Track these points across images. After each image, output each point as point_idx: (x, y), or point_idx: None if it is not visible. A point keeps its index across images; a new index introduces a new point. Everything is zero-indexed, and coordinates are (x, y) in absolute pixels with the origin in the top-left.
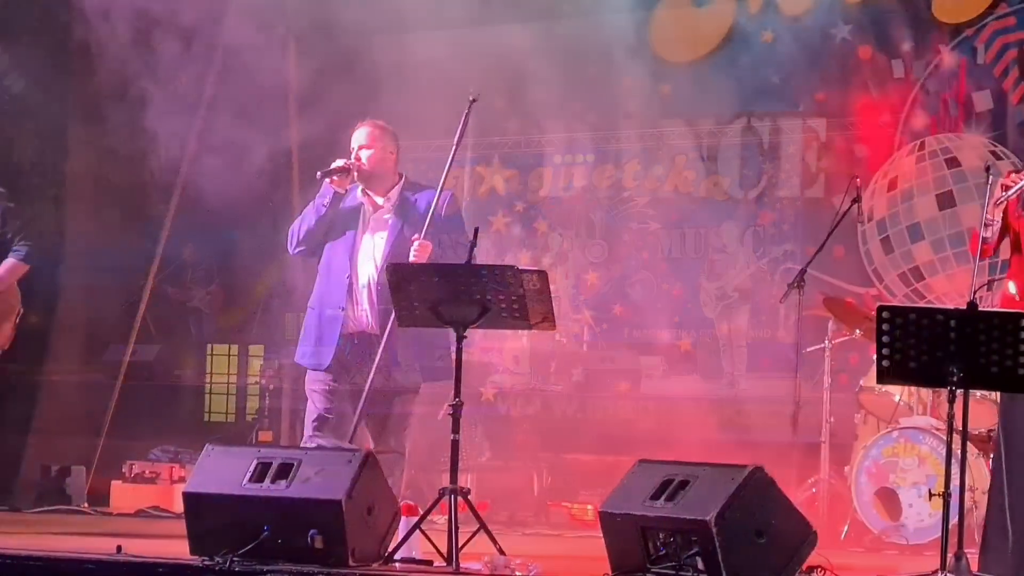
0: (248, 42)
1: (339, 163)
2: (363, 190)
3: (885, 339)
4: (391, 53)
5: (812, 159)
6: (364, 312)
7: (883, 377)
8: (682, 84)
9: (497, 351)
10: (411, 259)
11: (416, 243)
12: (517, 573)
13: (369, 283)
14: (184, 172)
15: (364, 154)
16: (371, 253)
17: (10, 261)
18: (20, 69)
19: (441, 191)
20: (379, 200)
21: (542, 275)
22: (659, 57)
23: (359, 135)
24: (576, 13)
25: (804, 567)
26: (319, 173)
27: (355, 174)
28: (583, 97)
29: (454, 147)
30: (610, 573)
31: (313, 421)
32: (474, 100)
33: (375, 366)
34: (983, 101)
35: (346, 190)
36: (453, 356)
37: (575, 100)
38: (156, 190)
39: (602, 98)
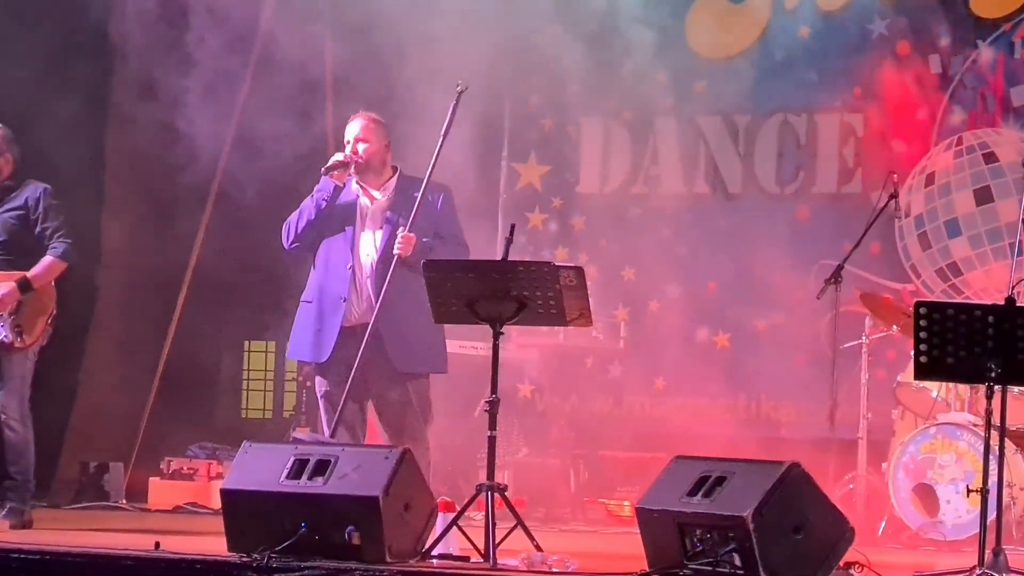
0: (286, 37)
1: (338, 157)
2: (358, 183)
3: (923, 335)
4: (423, 48)
5: (849, 155)
6: (368, 303)
7: (921, 373)
8: (718, 80)
9: (534, 347)
10: (395, 252)
11: (400, 234)
12: (554, 569)
13: (372, 275)
14: (221, 169)
15: (360, 147)
16: (372, 247)
17: (48, 259)
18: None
19: (427, 182)
20: (376, 194)
21: (579, 271)
22: (695, 53)
23: (353, 127)
24: (612, 9)
25: (841, 564)
26: (323, 169)
27: (352, 167)
28: (619, 93)
29: (441, 138)
30: (647, 569)
31: (327, 417)
32: (462, 90)
33: (360, 353)
34: (1021, 96)
35: (344, 183)
36: (489, 352)
37: (612, 96)
38: (193, 186)
39: (638, 94)
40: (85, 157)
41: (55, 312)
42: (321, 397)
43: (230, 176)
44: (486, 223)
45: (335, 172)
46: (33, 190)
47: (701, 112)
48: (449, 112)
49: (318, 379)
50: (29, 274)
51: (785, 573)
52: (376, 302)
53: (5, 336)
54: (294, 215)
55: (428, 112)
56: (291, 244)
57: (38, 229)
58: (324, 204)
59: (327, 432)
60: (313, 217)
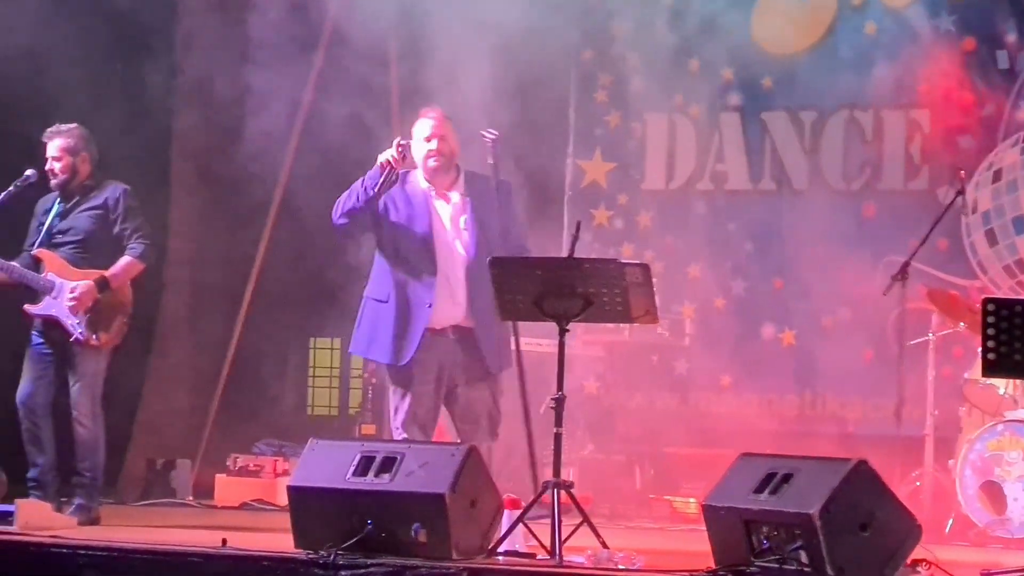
0: (351, 40)
1: (389, 154)
2: (429, 183)
3: (990, 332)
4: (490, 49)
5: (915, 151)
6: (459, 306)
7: (988, 370)
8: (784, 76)
9: (599, 344)
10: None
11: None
12: (620, 566)
13: (466, 278)
14: (287, 166)
15: (435, 143)
16: (460, 250)
17: (126, 259)
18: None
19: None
20: (452, 195)
21: (645, 268)
22: (762, 49)
23: (425, 127)
24: (679, 5)
25: (908, 561)
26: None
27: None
28: (685, 89)
29: (494, 180)
30: (713, 567)
31: (402, 417)
32: (494, 139)
33: (460, 357)
34: None
35: (397, 177)
36: (554, 349)
37: (677, 92)
38: (259, 184)
39: (704, 90)
40: (151, 156)
41: (131, 312)
42: (400, 397)
43: (297, 174)
44: (551, 220)
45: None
46: (113, 190)
47: (767, 108)
48: (492, 160)
49: (395, 380)
50: (107, 273)
51: (852, 571)
52: (469, 304)
53: (81, 333)
54: (344, 194)
55: (494, 114)
56: (337, 219)
57: (117, 229)
58: (372, 193)
59: (401, 431)
60: (361, 203)
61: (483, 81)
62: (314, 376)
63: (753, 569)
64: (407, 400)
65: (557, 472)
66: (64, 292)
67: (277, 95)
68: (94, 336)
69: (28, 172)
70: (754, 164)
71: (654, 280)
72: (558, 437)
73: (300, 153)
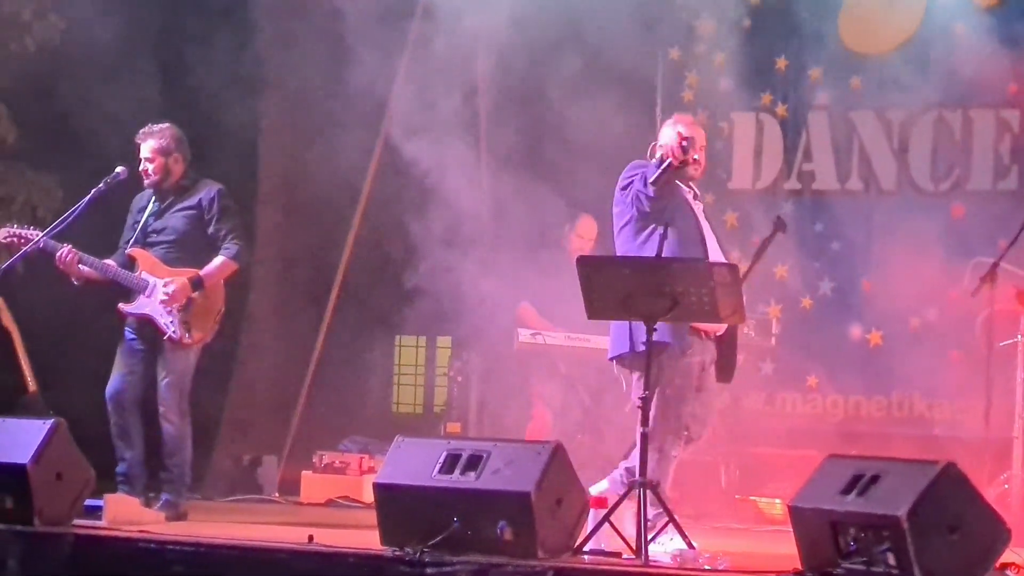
0: (437, 38)
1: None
2: (688, 185)
3: None
4: (574, 48)
5: (1005, 151)
6: None
7: None
8: (872, 76)
9: None
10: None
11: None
12: (706, 567)
13: None
14: (374, 164)
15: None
16: (718, 251)
17: (220, 259)
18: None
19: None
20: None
21: (733, 268)
22: (849, 49)
23: (694, 130)
24: (766, 5)
25: (997, 565)
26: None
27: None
28: (772, 88)
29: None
30: (800, 568)
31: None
32: None
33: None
34: None
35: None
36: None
37: (764, 91)
38: (346, 182)
39: (791, 89)
40: (238, 154)
41: (223, 311)
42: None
43: (383, 171)
44: None
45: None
46: (208, 190)
47: (855, 108)
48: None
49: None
50: (201, 273)
51: (940, 574)
52: None
53: (174, 332)
54: (648, 175)
55: (579, 114)
56: (647, 203)
57: (211, 229)
58: (654, 189)
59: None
60: (653, 195)
61: (569, 81)
62: (399, 374)
63: (840, 571)
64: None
65: (643, 471)
66: (158, 291)
67: (363, 94)
68: (186, 334)
69: (118, 169)
70: (841, 164)
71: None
72: (644, 436)
73: (387, 153)
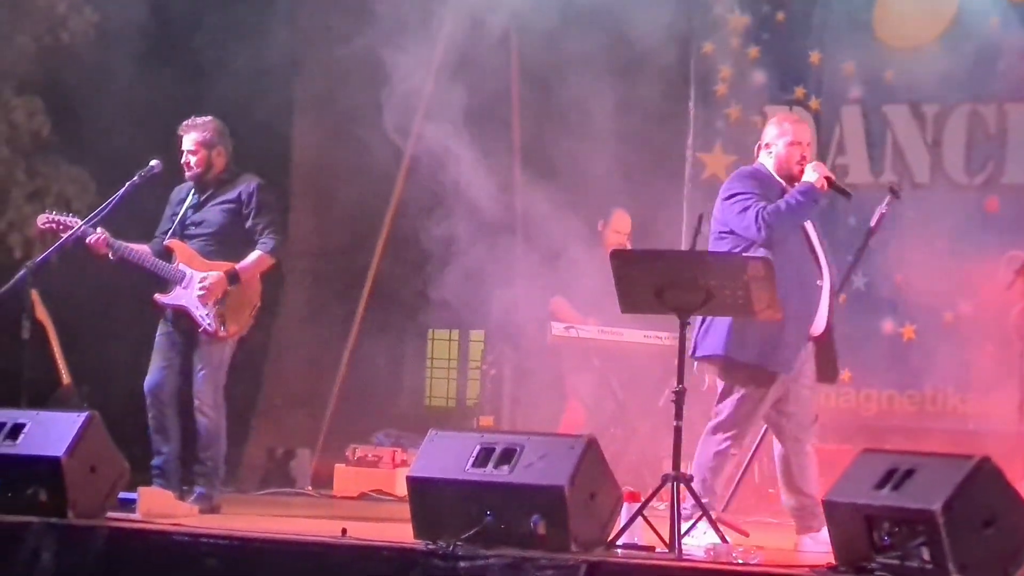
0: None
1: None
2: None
3: None
4: (608, 44)
5: None
6: (823, 316)
7: None
8: (906, 69)
9: None
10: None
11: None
12: (739, 561)
13: (831, 288)
14: (408, 158)
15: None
16: (824, 258)
17: (257, 253)
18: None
19: None
20: None
21: (767, 263)
22: (883, 42)
23: (806, 133)
24: None
25: None
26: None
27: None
28: (806, 82)
29: None
30: (834, 563)
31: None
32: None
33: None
34: None
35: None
36: (673, 342)
37: (797, 84)
38: (380, 176)
39: (825, 83)
40: (271, 147)
41: (258, 305)
42: (749, 402)
43: (416, 165)
44: (671, 213)
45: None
46: (247, 184)
47: (889, 101)
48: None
49: (754, 382)
50: (238, 266)
51: (975, 568)
52: (829, 313)
53: (209, 324)
54: (782, 207)
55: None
56: (766, 235)
57: (249, 223)
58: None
59: (723, 437)
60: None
61: (602, 74)
62: (432, 368)
63: (874, 565)
64: (752, 404)
65: (676, 466)
66: (194, 283)
67: (397, 89)
68: (221, 327)
69: (152, 163)
70: (875, 158)
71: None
72: (678, 430)
73: (420, 146)
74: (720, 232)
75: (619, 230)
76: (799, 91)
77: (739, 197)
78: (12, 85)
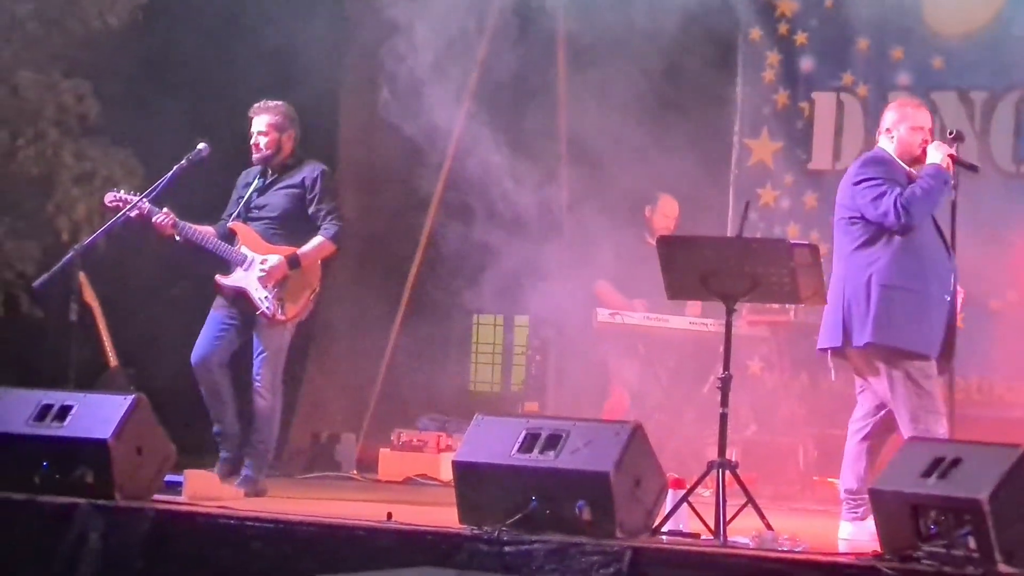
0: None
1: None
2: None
3: None
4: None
5: None
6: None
7: None
8: (955, 56)
9: (764, 324)
10: None
11: None
12: (785, 548)
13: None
14: (455, 140)
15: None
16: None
17: (319, 239)
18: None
19: None
20: None
21: (813, 249)
22: (932, 29)
23: (927, 118)
24: None
25: None
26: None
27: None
28: (853, 68)
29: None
30: (880, 551)
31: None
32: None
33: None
34: None
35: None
36: (719, 328)
37: (845, 71)
38: (426, 159)
39: (873, 69)
40: (318, 131)
41: (318, 290)
42: (923, 390)
43: (464, 148)
44: (718, 199)
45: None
46: (311, 170)
47: (937, 88)
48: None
49: (921, 373)
50: (299, 251)
51: (1022, 557)
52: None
53: (268, 308)
54: (917, 192)
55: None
56: (910, 223)
57: (312, 209)
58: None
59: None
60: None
61: (649, 60)
62: (477, 352)
63: (920, 554)
64: (931, 391)
65: (722, 452)
66: (255, 266)
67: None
68: (280, 311)
69: (200, 146)
70: None
71: (822, 260)
72: (723, 417)
73: (467, 129)
74: (850, 218)
75: (667, 214)
76: (847, 77)
77: (871, 183)
78: (61, 68)
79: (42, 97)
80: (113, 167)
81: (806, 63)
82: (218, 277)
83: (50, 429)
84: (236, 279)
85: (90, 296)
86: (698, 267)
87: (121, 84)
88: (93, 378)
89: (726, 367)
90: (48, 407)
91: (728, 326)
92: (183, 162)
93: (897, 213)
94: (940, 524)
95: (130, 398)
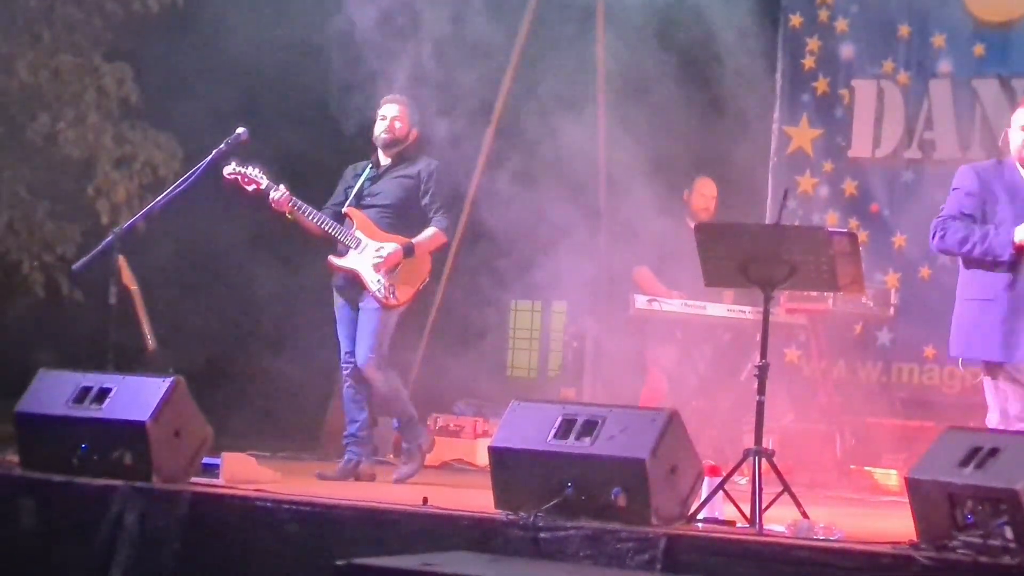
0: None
1: None
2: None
3: None
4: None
5: None
6: None
7: None
8: (996, 43)
9: (802, 312)
10: None
11: None
12: (821, 537)
13: None
14: (492, 130)
15: None
16: None
17: (433, 230)
18: None
19: None
20: None
21: (852, 237)
22: (973, 16)
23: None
24: None
25: None
26: None
27: None
28: (894, 55)
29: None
30: (916, 540)
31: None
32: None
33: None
34: None
35: None
36: (756, 316)
37: (886, 58)
38: (462, 148)
39: (913, 56)
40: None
41: (427, 280)
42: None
43: (501, 134)
44: (756, 186)
45: None
46: (427, 164)
47: (978, 75)
48: None
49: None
50: (415, 240)
51: None
52: None
53: (379, 291)
54: (966, 247)
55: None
56: (936, 250)
57: (425, 200)
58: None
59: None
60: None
61: (690, 46)
62: (514, 338)
63: (956, 543)
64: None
65: (759, 440)
66: (370, 250)
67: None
68: (392, 296)
69: (239, 130)
70: (963, 133)
71: (860, 248)
72: (760, 405)
73: (507, 116)
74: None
75: (705, 194)
76: (887, 65)
77: (950, 194)
78: (102, 52)
79: (83, 81)
80: (153, 151)
81: (846, 50)
82: (331, 258)
83: (89, 411)
84: (349, 261)
85: (129, 279)
86: (736, 254)
87: (161, 68)
88: (132, 360)
89: (763, 355)
90: (87, 389)
91: (766, 314)
92: (222, 146)
93: (932, 235)
94: (976, 514)
95: (168, 381)
